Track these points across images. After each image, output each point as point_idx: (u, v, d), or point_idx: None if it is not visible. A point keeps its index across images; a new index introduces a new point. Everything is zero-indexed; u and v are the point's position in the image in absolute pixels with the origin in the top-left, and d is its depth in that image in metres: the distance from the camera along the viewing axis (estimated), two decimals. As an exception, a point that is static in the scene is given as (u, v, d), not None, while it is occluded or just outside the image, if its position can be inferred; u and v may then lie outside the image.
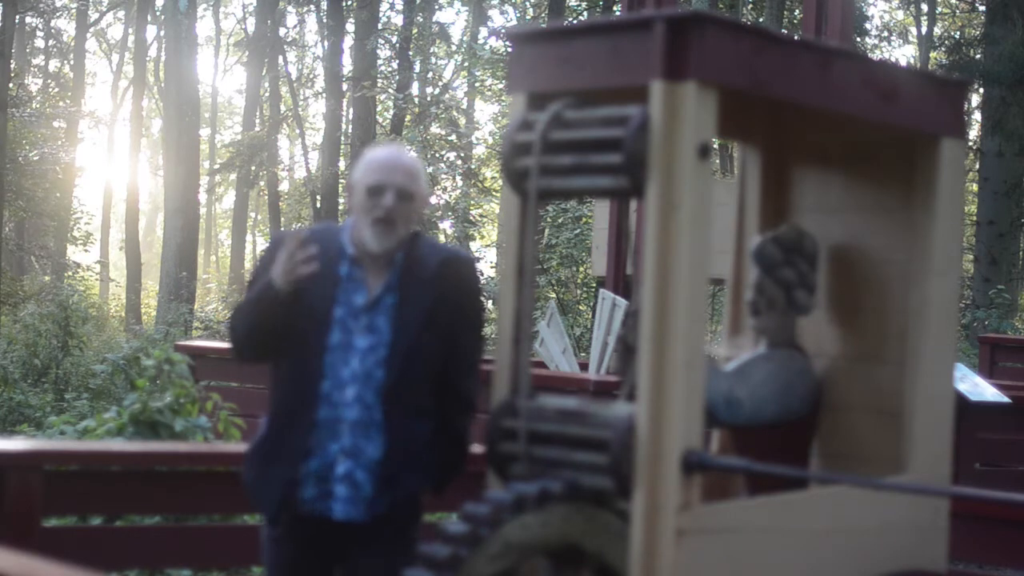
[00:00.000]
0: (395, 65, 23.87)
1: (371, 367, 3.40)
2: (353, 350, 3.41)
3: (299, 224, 31.34)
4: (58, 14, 32.64)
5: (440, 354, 3.44)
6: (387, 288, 3.45)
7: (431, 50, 26.41)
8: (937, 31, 28.99)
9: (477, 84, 29.19)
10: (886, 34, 30.46)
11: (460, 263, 3.53)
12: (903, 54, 33.41)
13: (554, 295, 17.18)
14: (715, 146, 16.03)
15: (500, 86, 26.04)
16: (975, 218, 19.55)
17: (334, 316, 3.42)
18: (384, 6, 25.63)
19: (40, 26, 33.37)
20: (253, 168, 24.60)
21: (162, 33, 30.31)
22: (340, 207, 23.54)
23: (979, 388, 7.40)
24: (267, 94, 29.05)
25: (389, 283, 3.45)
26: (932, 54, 25.99)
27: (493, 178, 24.65)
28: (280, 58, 25.91)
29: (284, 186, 31.55)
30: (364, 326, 3.42)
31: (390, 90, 23.04)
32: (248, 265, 40.77)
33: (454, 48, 27.21)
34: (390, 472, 3.40)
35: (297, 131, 28.15)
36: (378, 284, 3.46)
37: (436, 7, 27.99)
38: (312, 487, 3.41)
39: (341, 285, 3.44)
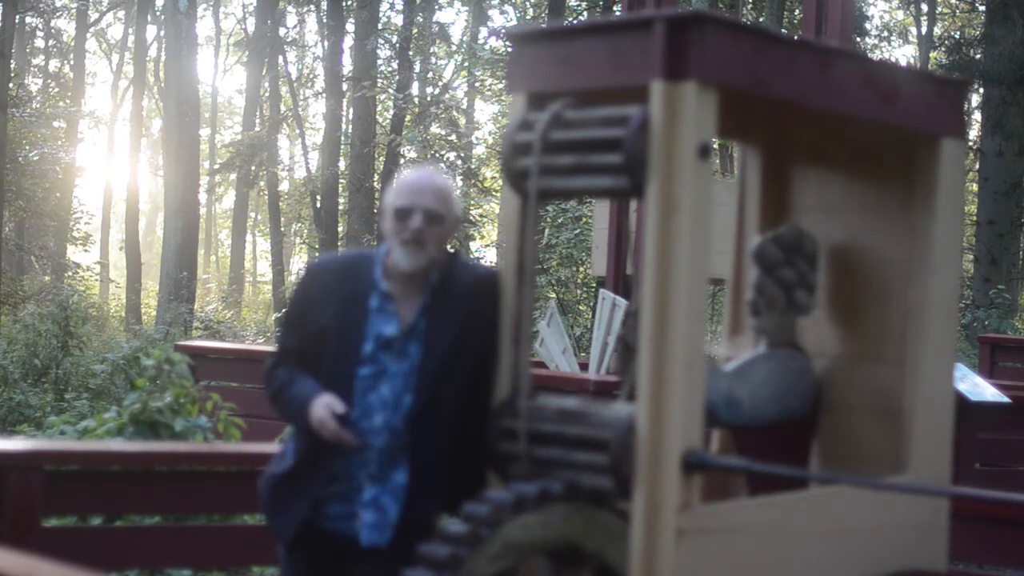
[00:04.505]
0: (395, 65, 23.86)
1: (400, 393, 3.39)
2: (386, 376, 3.40)
3: (299, 224, 31.39)
4: (58, 14, 32.63)
5: (472, 372, 3.37)
6: (421, 313, 3.43)
7: (431, 50, 26.41)
8: (937, 31, 28.98)
9: (477, 84, 29.20)
10: (886, 34, 30.45)
11: (496, 282, 3.39)
12: (903, 54, 33.43)
13: (554, 295, 17.17)
14: (715, 146, 16.03)
15: (500, 86, 26.02)
16: (975, 218, 19.55)
17: (363, 352, 3.40)
18: (384, 6, 25.63)
19: (40, 26, 33.36)
20: (253, 168, 24.60)
21: (162, 33, 30.30)
22: (340, 207, 23.55)
23: (979, 388, 7.39)
24: (267, 94, 29.05)
25: (423, 308, 3.43)
26: (932, 54, 25.98)
27: (493, 178, 24.64)
28: (280, 58, 25.92)
29: (284, 186, 31.55)
30: (397, 353, 3.40)
31: (390, 90, 23.03)
32: (248, 265, 40.82)
33: (454, 48, 27.20)
34: (414, 496, 3.38)
35: (297, 131, 28.15)
36: (411, 311, 3.43)
37: (436, 7, 27.97)
38: (337, 504, 3.41)
39: (370, 319, 3.42)
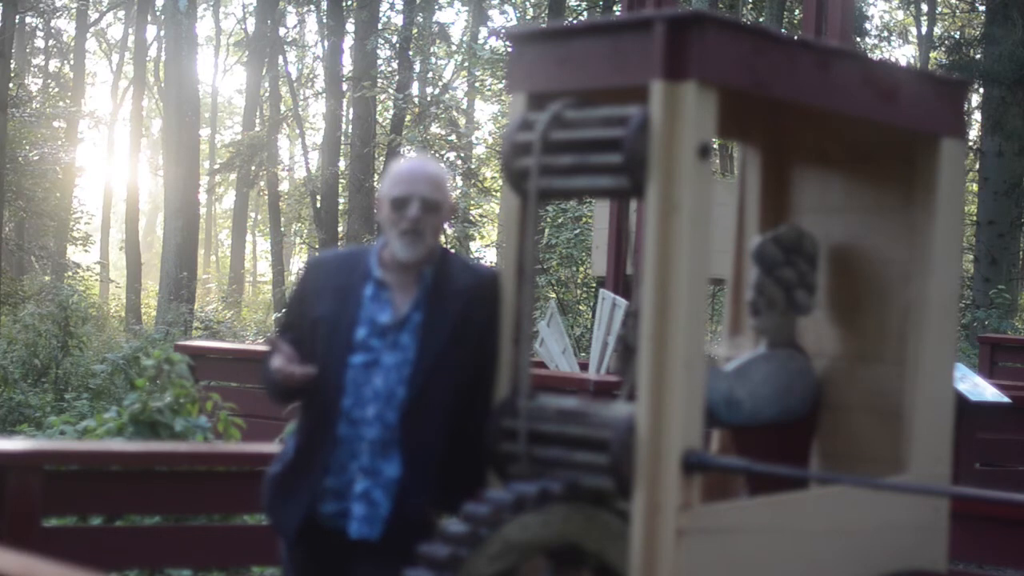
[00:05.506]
0: (395, 65, 23.85)
1: (394, 385, 3.38)
2: (379, 368, 3.40)
3: (299, 225, 31.39)
4: (58, 14, 32.63)
5: (468, 370, 3.37)
6: (415, 306, 3.43)
7: (431, 50, 26.40)
8: (937, 31, 28.98)
9: (477, 84, 29.19)
10: (886, 34, 30.46)
11: (495, 282, 3.39)
12: (903, 54, 33.43)
13: (554, 295, 17.17)
14: (715, 146, 16.02)
15: (500, 86, 26.02)
16: (975, 218, 19.54)
17: (356, 337, 3.41)
18: (384, 6, 25.62)
19: (40, 26, 33.36)
20: (253, 168, 24.59)
21: (162, 33, 30.30)
22: (340, 207, 23.55)
23: (979, 388, 7.39)
24: (267, 94, 29.05)
25: (417, 300, 3.43)
26: (932, 54, 25.97)
27: (493, 178, 24.65)
28: (280, 58, 25.91)
29: (284, 186, 31.54)
30: (391, 344, 3.41)
31: (390, 90, 23.02)
32: (248, 265, 40.83)
33: (454, 48, 27.21)
34: (406, 491, 3.37)
35: (297, 131, 28.15)
36: (406, 302, 3.44)
37: (436, 7, 27.97)
38: (331, 503, 3.41)
39: (364, 306, 3.43)
